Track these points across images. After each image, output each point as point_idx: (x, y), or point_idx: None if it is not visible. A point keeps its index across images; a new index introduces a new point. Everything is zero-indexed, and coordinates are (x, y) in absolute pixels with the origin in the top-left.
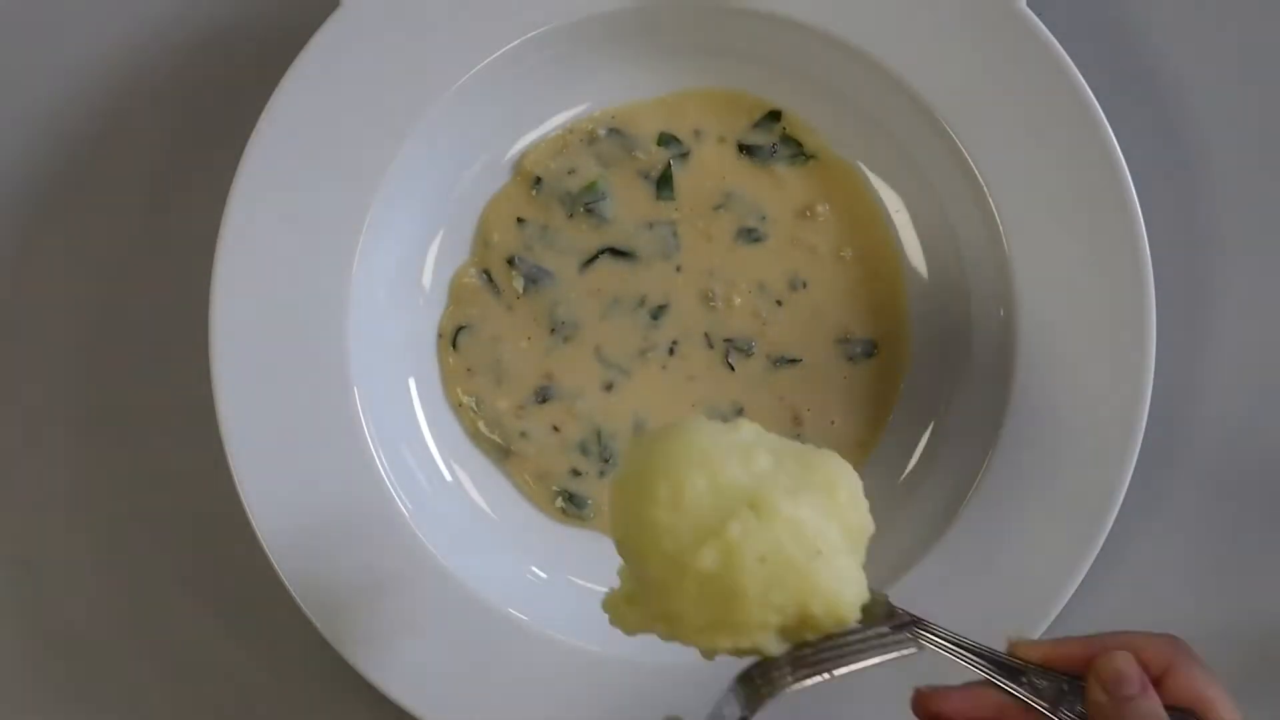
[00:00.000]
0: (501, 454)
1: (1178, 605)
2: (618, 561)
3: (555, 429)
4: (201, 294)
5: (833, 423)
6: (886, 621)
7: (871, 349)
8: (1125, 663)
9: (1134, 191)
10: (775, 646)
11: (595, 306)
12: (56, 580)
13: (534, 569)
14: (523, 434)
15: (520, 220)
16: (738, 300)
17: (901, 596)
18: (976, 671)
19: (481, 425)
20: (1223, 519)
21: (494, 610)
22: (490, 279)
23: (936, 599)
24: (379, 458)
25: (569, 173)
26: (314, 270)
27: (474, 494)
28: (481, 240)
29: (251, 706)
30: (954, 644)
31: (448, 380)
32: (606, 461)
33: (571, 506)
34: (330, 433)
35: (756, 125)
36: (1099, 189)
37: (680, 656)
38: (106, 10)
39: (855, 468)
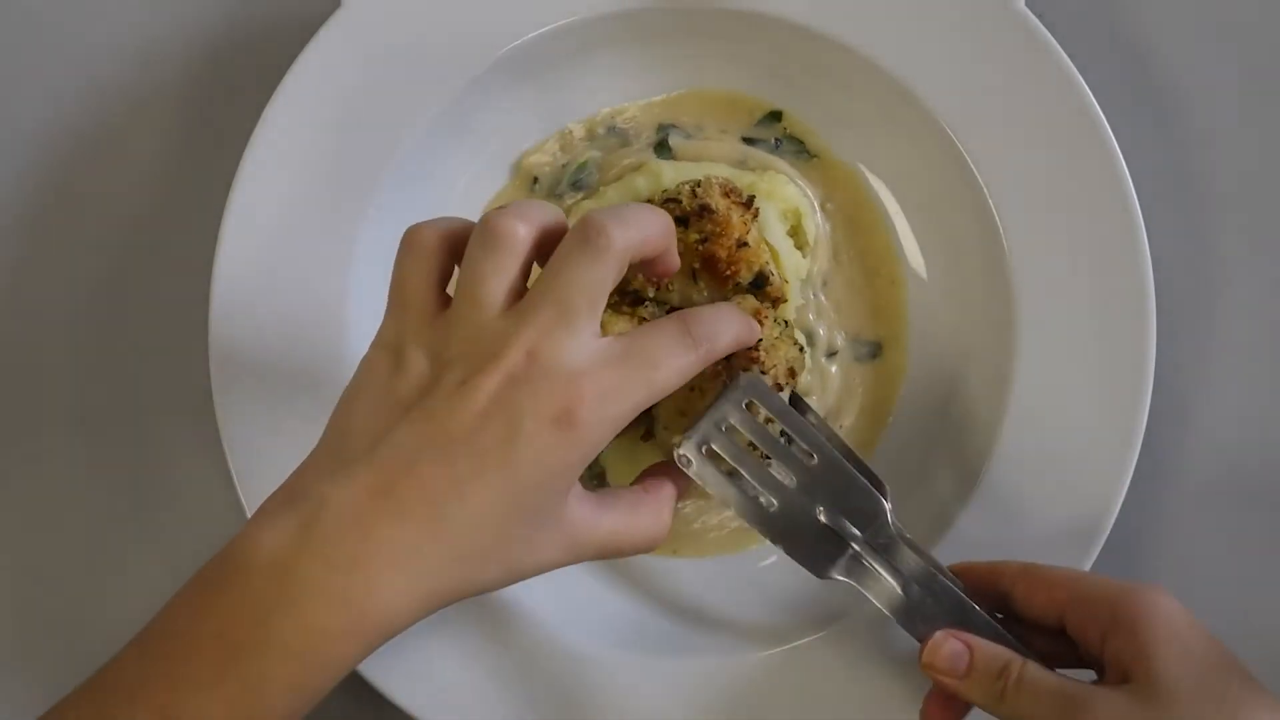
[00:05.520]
0: None
1: None
2: (619, 563)
3: None
4: (201, 294)
5: (841, 426)
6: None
7: (876, 350)
8: (942, 648)
9: (1134, 192)
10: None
11: None
12: (56, 578)
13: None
14: None
15: None
16: None
17: None
18: None
19: None
20: (1223, 520)
21: (494, 610)
22: None
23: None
24: None
25: (563, 167)
26: (314, 271)
27: None
28: None
29: None
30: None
31: None
32: (596, 480)
33: None
34: None
35: (757, 125)
36: (1099, 189)
37: (680, 658)
38: (106, 12)
39: None
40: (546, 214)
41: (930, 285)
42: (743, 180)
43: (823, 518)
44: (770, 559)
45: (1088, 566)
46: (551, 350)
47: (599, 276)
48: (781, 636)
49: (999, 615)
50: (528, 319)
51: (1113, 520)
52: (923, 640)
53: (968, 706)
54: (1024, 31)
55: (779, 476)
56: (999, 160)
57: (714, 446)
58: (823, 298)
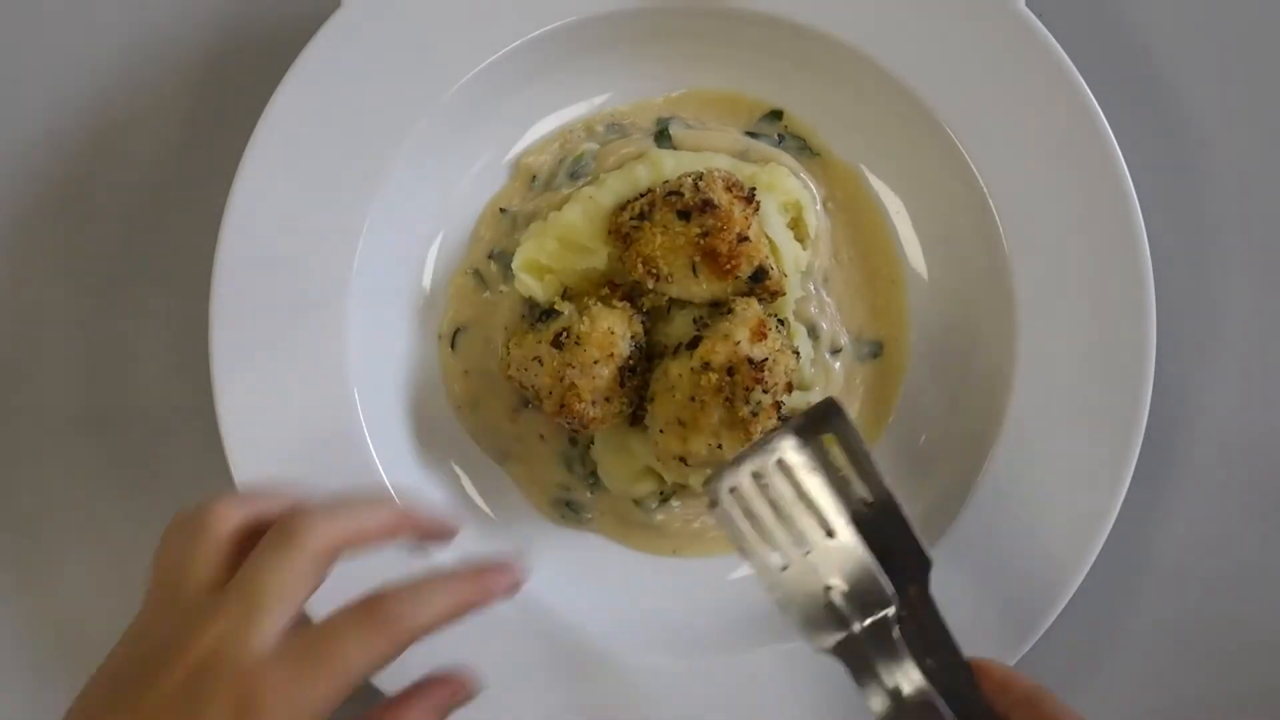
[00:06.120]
0: (501, 455)
1: (1178, 606)
2: (618, 562)
3: (541, 437)
4: (202, 294)
5: None
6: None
7: (877, 350)
8: None
9: (1134, 192)
10: None
11: None
12: (57, 580)
13: (534, 569)
14: (518, 438)
15: (502, 210)
16: None
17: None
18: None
19: (480, 427)
20: (1223, 520)
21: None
22: (482, 277)
23: (937, 598)
24: (378, 459)
25: (560, 162)
26: (314, 271)
27: (475, 495)
28: (475, 238)
29: None
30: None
31: (447, 381)
32: (592, 477)
33: (570, 512)
34: (330, 434)
35: (758, 123)
36: (1098, 189)
37: (679, 657)
38: (107, 12)
39: None
40: (267, 504)
41: (930, 285)
42: (744, 172)
43: (830, 595)
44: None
45: (1087, 567)
46: (233, 645)
47: (290, 575)
48: (780, 636)
49: None
50: (216, 612)
51: (1112, 521)
52: None
53: None
54: (1024, 31)
55: (796, 540)
56: (999, 160)
57: (741, 493)
58: (824, 294)
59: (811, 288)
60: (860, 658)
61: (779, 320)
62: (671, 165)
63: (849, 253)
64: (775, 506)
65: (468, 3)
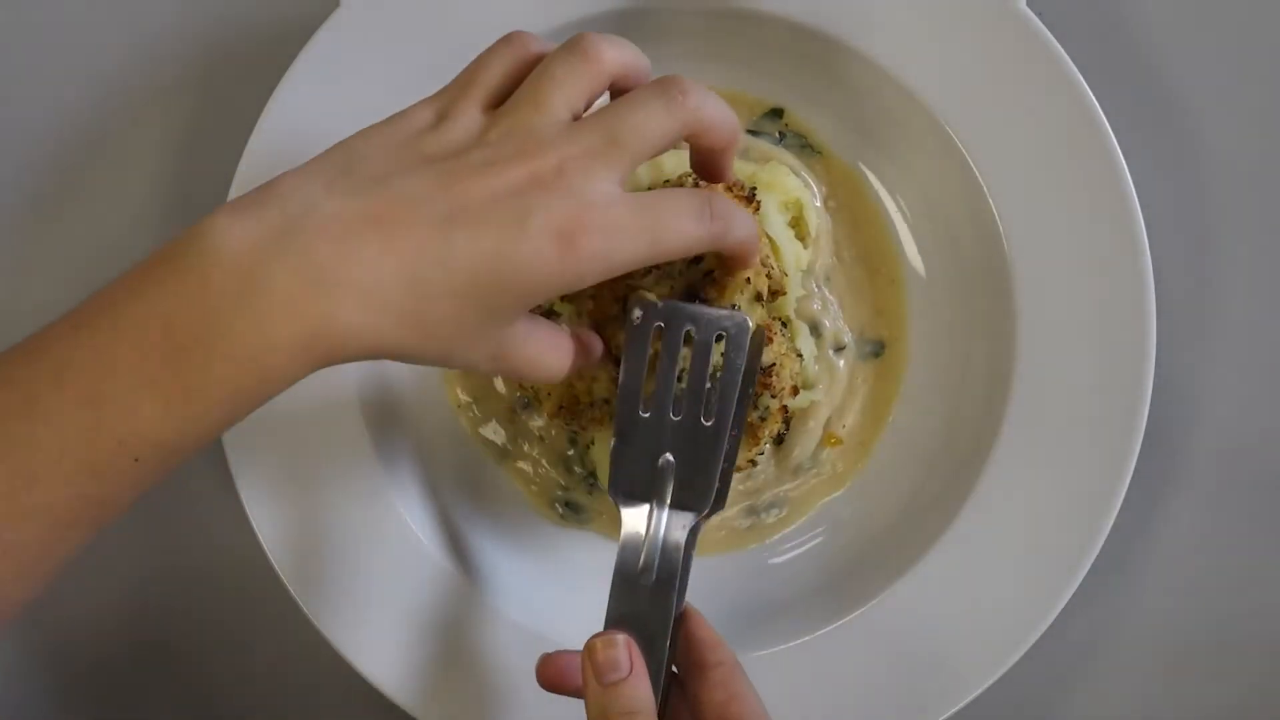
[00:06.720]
0: (501, 455)
1: (1177, 605)
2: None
3: (541, 438)
4: None
5: (844, 425)
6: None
7: (878, 349)
8: (614, 650)
9: (1134, 191)
10: None
11: None
12: (57, 582)
13: (534, 570)
14: (517, 437)
15: None
16: None
17: (903, 593)
18: None
19: (480, 426)
20: (1223, 519)
21: (494, 610)
22: None
23: (937, 598)
24: (378, 457)
25: None
26: None
27: (475, 495)
28: None
29: (251, 706)
30: None
31: (447, 380)
32: (592, 478)
33: (570, 512)
34: (330, 432)
35: (759, 120)
36: (1099, 189)
37: None
38: (107, 11)
39: (857, 466)
40: (640, 58)
41: (930, 284)
42: (744, 171)
43: (661, 462)
44: (776, 559)
45: (1087, 566)
46: (582, 173)
47: (660, 129)
48: (779, 635)
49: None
50: (575, 137)
51: (1113, 519)
52: (606, 626)
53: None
54: (1024, 31)
55: (673, 399)
56: (999, 160)
57: (659, 324)
58: (827, 292)
59: (814, 286)
60: (637, 530)
61: (781, 321)
62: (672, 164)
63: (850, 251)
64: (682, 366)
65: (467, 3)
